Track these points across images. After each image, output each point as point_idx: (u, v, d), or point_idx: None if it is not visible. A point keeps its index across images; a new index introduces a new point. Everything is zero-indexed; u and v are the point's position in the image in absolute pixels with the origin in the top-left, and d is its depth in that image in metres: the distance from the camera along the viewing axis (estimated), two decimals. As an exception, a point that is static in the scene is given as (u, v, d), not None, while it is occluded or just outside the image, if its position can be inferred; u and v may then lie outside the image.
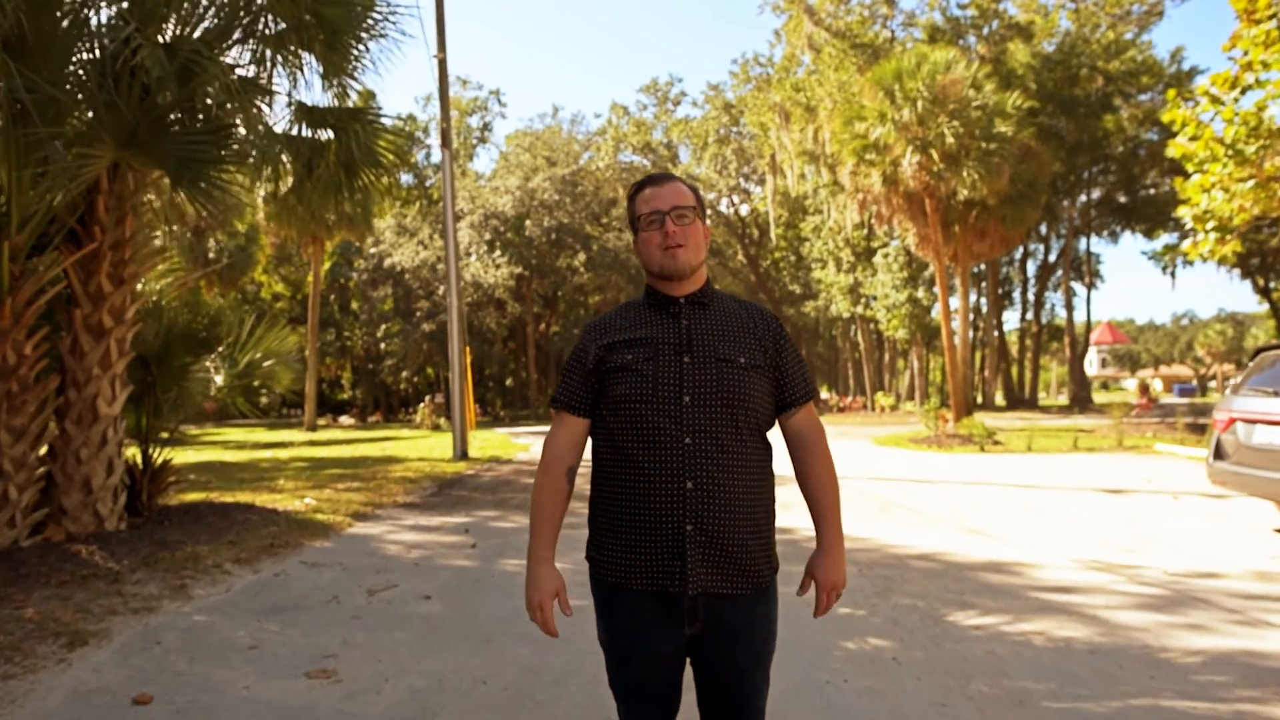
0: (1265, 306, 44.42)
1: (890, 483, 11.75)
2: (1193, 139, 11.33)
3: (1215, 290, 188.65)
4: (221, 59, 6.95)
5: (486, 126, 60.65)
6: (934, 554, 6.79)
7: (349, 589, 5.58)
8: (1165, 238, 44.86)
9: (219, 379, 9.49)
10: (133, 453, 8.49)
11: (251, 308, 56.41)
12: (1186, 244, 12.84)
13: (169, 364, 8.16)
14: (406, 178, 59.78)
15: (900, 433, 22.73)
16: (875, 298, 32.73)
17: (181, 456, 20.16)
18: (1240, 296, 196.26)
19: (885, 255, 31.70)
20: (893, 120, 20.78)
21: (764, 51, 35.51)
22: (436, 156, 65.13)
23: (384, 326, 46.86)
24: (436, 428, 33.39)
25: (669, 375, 1.98)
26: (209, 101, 6.52)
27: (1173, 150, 11.98)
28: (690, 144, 46.72)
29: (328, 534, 7.64)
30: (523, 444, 22.60)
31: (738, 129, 46.58)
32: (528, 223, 44.07)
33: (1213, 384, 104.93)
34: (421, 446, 21.39)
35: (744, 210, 54.44)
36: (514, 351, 53.27)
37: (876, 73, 21.13)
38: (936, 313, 37.84)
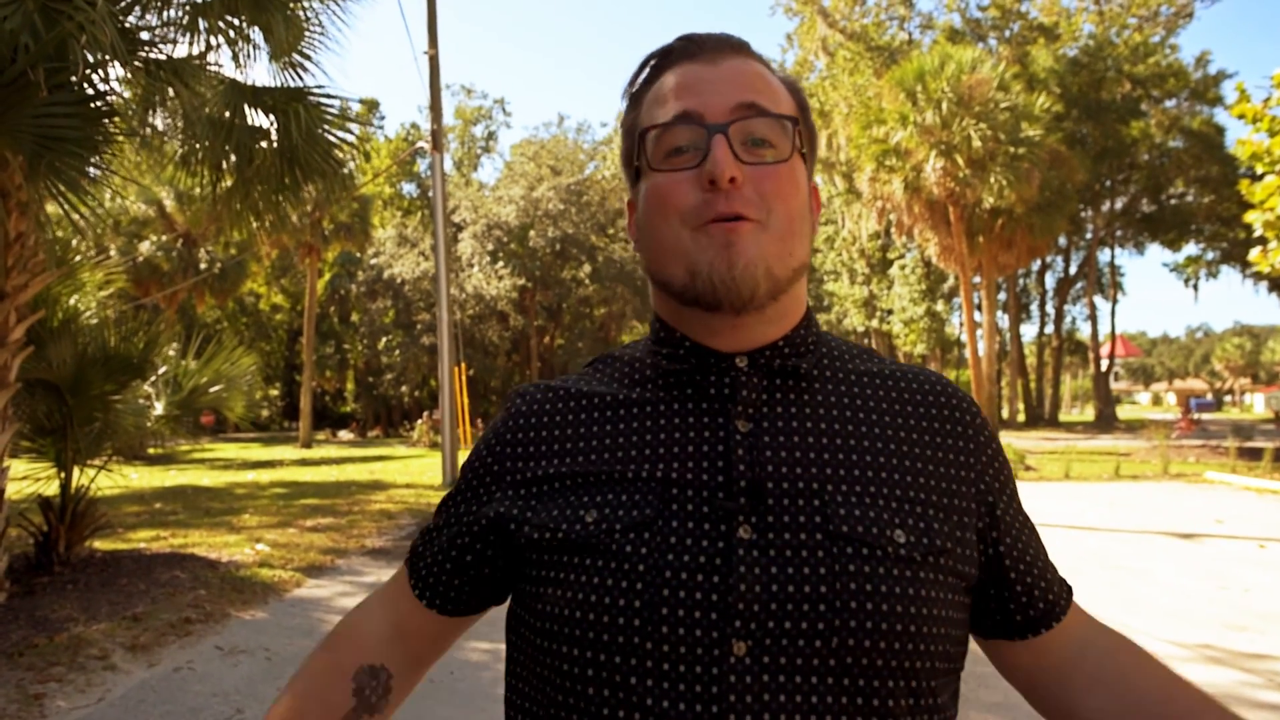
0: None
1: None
2: (1272, 134, 10.06)
3: (1231, 303, 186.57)
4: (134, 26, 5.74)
5: (491, 135, 59.75)
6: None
7: (264, 695, 4.32)
8: (1189, 248, 43.55)
9: (159, 406, 8.24)
10: (55, 492, 7.27)
11: (250, 320, 55.50)
12: (1255, 253, 11.55)
13: (85, 392, 6.91)
14: (409, 187, 58.90)
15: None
16: (892, 311, 31.39)
17: (158, 479, 19.04)
18: (1257, 309, 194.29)
19: (903, 267, 30.34)
20: (915, 123, 19.54)
21: (776, 57, 34.33)
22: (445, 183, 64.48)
23: (384, 339, 45.76)
24: (434, 445, 32.12)
25: (699, 579, 0.74)
26: (94, 73, 5.26)
27: (1240, 150, 10.71)
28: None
29: (267, 598, 6.37)
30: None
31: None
32: (531, 233, 42.91)
33: (1228, 398, 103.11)
34: (413, 469, 20.16)
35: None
36: (518, 365, 52.08)
37: (898, 73, 19.90)
38: (954, 326, 36.47)
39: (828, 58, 30.18)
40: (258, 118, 6.67)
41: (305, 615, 5.93)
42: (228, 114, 6.55)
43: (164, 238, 30.70)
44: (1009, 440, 21.10)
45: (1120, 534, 9.34)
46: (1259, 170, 10.55)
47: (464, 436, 29.06)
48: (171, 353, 8.63)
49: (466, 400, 22.40)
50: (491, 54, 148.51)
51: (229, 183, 6.98)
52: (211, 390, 8.30)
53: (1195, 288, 46.16)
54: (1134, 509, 11.37)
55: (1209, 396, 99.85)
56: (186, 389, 8.33)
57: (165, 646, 5.05)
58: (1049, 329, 43.85)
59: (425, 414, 34.50)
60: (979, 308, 22.27)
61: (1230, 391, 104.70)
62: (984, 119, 18.99)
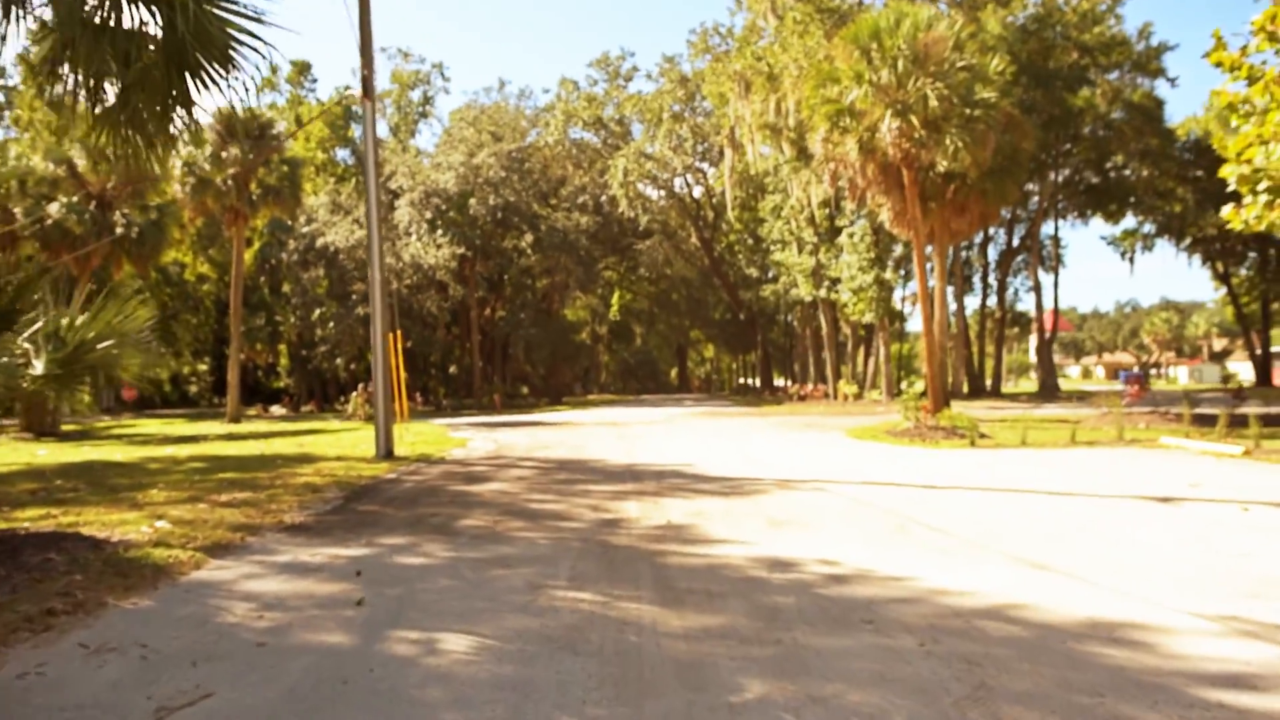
0: (1214, 294, 44.07)
1: (891, 489, 9.87)
2: (1251, 81, 9.61)
3: (1159, 280, 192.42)
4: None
5: (428, 100, 57.79)
6: (1008, 607, 4.86)
7: (129, 705, 3.44)
8: (1127, 221, 44.14)
9: (39, 365, 7.16)
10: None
11: (175, 290, 52.99)
12: (1227, 210, 11.17)
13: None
14: (343, 153, 56.71)
15: (873, 424, 21.02)
16: (840, 280, 31.02)
17: (68, 455, 17.62)
18: (1183, 286, 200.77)
19: (851, 235, 29.91)
20: (870, 82, 18.93)
21: (724, 21, 33.41)
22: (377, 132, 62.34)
23: (318, 310, 44.05)
24: (370, 418, 30.83)
25: None
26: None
27: (1216, 100, 10.26)
28: (643, 120, 44.50)
29: (156, 583, 5.44)
30: (460, 439, 20.39)
31: (694, 106, 44.49)
32: (472, 201, 41.58)
33: (1153, 371, 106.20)
34: (344, 442, 19.08)
35: (698, 192, 52.53)
36: (458, 338, 50.72)
37: (853, 30, 19.24)
38: (902, 295, 36.29)
39: (777, 20, 29.46)
40: (139, 13, 5.62)
41: (200, 603, 5.03)
42: (103, 12, 5.50)
43: (75, 199, 28.70)
44: (959, 409, 20.83)
45: (1096, 499, 8.87)
46: (1234, 122, 10.15)
47: (400, 410, 27.90)
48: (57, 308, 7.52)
49: (404, 372, 21.34)
50: (430, 18, 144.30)
51: (110, 96, 5.91)
52: (100, 346, 7.23)
53: (1131, 261, 46.94)
54: (1101, 474, 10.97)
55: (1136, 369, 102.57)
56: (71, 345, 7.26)
57: (13, 646, 4.11)
58: (990, 301, 44.14)
59: (360, 386, 33.13)
60: (932, 273, 21.87)
61: (1157, 365, 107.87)
62: (940, 78, 18.47)
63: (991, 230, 42.42)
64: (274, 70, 56.79)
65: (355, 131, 55.06)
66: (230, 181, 32.82)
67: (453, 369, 53.92)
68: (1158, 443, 14.86)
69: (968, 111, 19.04)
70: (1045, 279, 50.48)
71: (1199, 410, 18.20)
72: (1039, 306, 37.46)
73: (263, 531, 7.43)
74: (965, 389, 37.50)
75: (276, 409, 44.99)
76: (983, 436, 16.09)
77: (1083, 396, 29.96)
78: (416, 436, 20.79)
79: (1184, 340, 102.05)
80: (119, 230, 29.27)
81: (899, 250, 29.88)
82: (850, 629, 4.46)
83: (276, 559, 6.28)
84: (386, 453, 14.54)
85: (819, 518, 7.90)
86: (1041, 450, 14.29)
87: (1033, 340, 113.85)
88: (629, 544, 6.83)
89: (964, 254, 40.76)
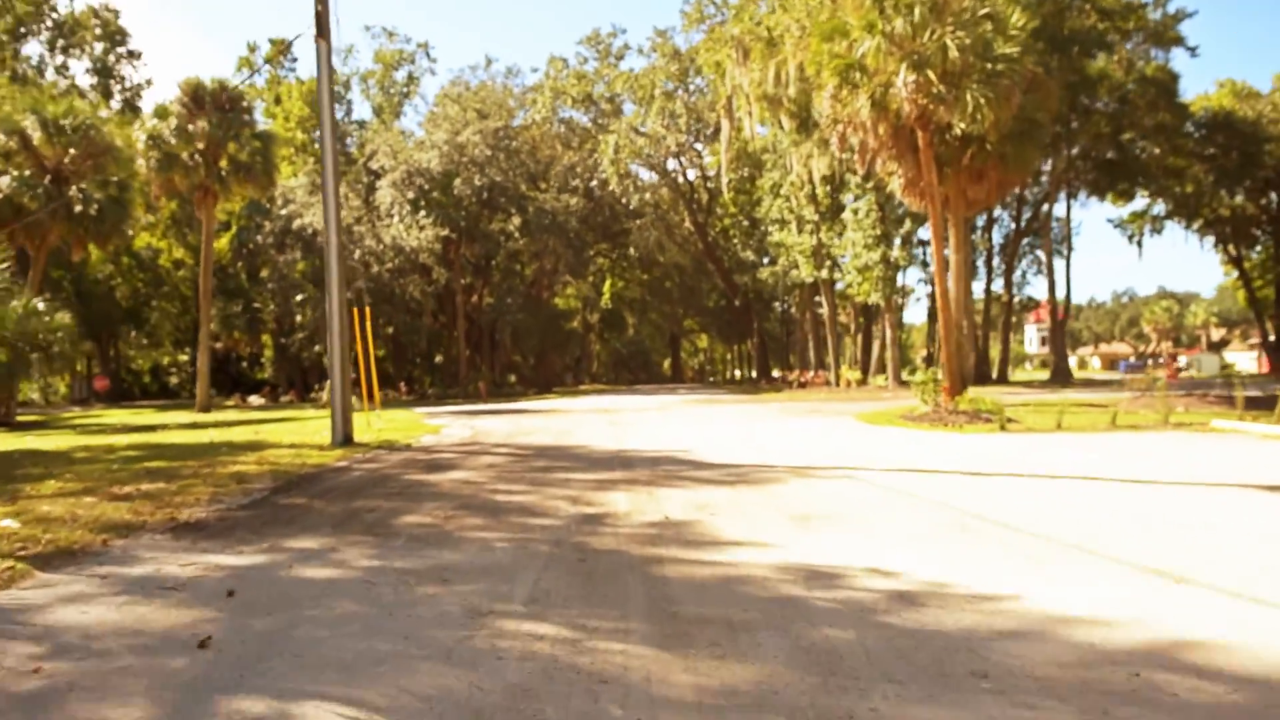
0: (1212, 285, 42.72)
1: (930, 477, 8.24)
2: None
3: (1157, 269, 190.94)
4: None
5: (413, 79, 55.78)
6: (1178, 646, 3.23)
7: None
8: (1136, 203, 42.59)
9: None
10: None
11: (147, 276, 51.05)
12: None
13: None
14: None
15: (884, 409, 19.41)
16: (844, 259, 29.33)
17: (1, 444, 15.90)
18: (1177, 276, 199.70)
19: (855, 211, 28.15)
20: (883, 33, 17.23)
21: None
22: (358, 113, 60.25)
23: (299, 296, 42.23)
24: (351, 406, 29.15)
25: None
26: None
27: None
28: (635, 98, 42.69)
29: (-74, 610, 3.76)
30: (435, 425, 18.71)
31: (688, 85, 42.66)
32: (456, 181, 39.75)
33: (1149, 361, 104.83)
34: (308, 429, 17.37)
35: (691, 175, 50.76)
36: (445, 326, 48.90)
37: (864, -25, 17.55)
38: (909, 276, 34.43)
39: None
40: None
41: (-34, 643, 3.36)
42: None
43: (28, 172, 26.84)
44: (978, 393, 19.23)
45: (1186, 488, 7.25)
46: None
47: (371, 395, 26.32)
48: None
49: (374, 351, 19.60)
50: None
51: None
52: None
53: (1139, 245, 45.37)
54: (1169, 460, 9.36)
55: (1133, 359, 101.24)
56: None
57: None
58: (995, 286, 42.58)
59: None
60: (947, 246, 20.23)
61: (1155, 355, 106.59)
62: (960, 28, 16.80)
63: (996, 212, 40.87)
64: (252, 49, 54.95)
65: (336, 111, 53.15)
66: (199, 157, 30.98)
67: (439, 358, 52.16)
68: (1209, 426, 13.28)
69: (989, 66, 17.40)
70: (1055, 263, 48.82)
71: (1251, 394, 16.61)
72: (1051, 289, 35.83)
73: (141, 532, 5.76)
74: (971, 376, 35.90)
75: (255, 399, 43.19)
76: (1011, 421, 14.49)
77: (1090, 384, 28.46)
78: (388, 423, 19.11)
79: (1183, 330, 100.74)
80: (78, 209, 27.39)
81: (907, 227, 28.17)
82: (958, 690, 2.82)
83: (131, 571, 4.61)
84: (344, 439, 12.87)
85: (854, 511, 6.27)
86: (1082, 435, 12.69)
87: (1029, 329, 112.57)
88: (614, 547, 5.19)
89: (970, 237, 39.09)
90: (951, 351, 18.98)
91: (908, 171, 19.72)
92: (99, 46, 46.20)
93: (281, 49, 53.75)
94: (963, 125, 18.61)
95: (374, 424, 18.22)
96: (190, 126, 30.68)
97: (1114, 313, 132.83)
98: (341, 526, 5.97)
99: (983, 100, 16.85)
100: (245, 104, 32.20)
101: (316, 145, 52.26)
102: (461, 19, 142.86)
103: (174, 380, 71.81)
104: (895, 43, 17.17)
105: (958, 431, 13.87)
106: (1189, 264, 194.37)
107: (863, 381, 32.65)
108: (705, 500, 6.88)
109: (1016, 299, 41.84)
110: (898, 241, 28.21)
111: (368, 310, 21.80)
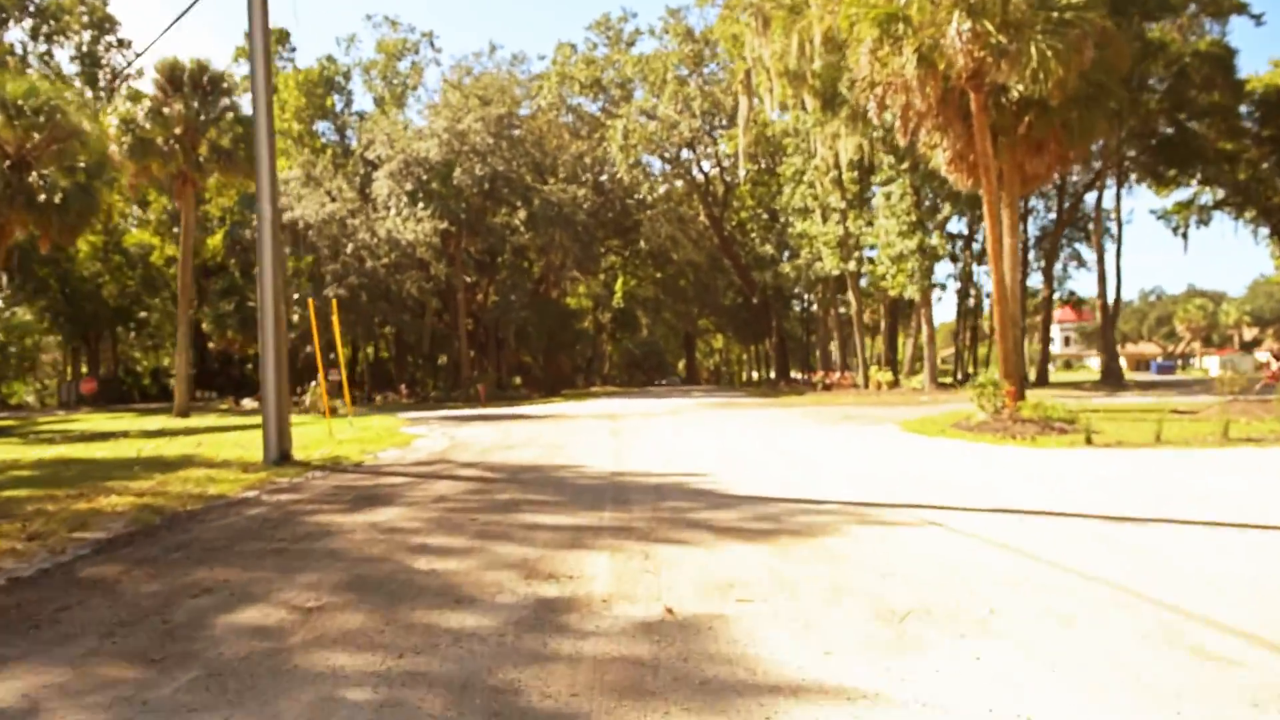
0: (1243, 283, 39.77)
1: (1052, 523, 5.74)
2: None
3: (1186, 268, 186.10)
4: None
5: (417, 70, 53.51)
6: None
7: None
8: (1181, 191, 39.74)
9: None
10: None
11: (137, 274, 48.97)
12: None
13: None
14: (323, 126, 52.60)
15: (931, 415, 16.83)
16: (874, 249, 26.66)
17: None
18: (1204, 274, 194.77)
19: (888, 195, 25.43)
20: (931, -24, 14.74)
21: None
22: (358, 104, 58.10)
23: (295, 295, 39.94)
24: (332, 412, 26.75)
25: None
26: None
27: None
28: (646, 82, 40.17)
29: None
30: (410, 435, 16.27)
31: (700, 69, 40.08)
32: (457, 171, 37.40)
33: (1179, 362, 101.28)
34: (258, 441, 14.96)
35: (706, 166, 48.21)
36: (449, 325, 46.52)
37: (908, -91, 15.01)
38: (941, 272, 31.43)
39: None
40: None
41: None
42: None
43: (-16, 158, 24.66)
44: (1037, 397, 16.64)
45: None
46: None
47: (327, 400, 24.05)
48: None
49: (340, 346, 17.21)
50: None
51: None
52: None
53: (1185, 236, 42.44)
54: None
55: (1161, 359, 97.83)
56: None
57: None
58: (1032, 281, 39.82)
59: (320, 374, 28.98)
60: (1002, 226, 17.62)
61: (1186, 355, 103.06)
62: (1021, -31, 14.28)
63: (1031, 200, 38.16)
64: (249, 37, 52.81)
65: (335, 102, 51.01)
66: (175, 143, 28.76)
67: (443, 359, 49.87)
68: (1353, 439, 10.69)
69: (1054, 16, 14.86)
70: (1090, 254, 45.70)
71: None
72: (1102, 282, 32.96)
73: None
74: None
75: (248, 402, 41.02)
76: (1096, 433, 11.93)
77: (1156, 385, 25.78)
78: (359, 432, 16.72)
79: (1216, 329, 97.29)
80: (40, 196, 25.19)
81: (945, 211, 25.50)
82: None
83: None
84: (279, 457, 10.46)
85: (978, 604, 3.78)
86: (1195, 451, 10.13)
87: (1055, 328, 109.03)
88: (573, 698, 2.75)
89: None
90: (1009, 349, 16.46)
91: (955, 142, 17.19)
92: (86, 35, 44.18)
93: (279, 38, 51.68)
94: (1020, 87, 16.13)
95: (340, 433, 15.84)
96: (166, 110, 28.48)
97: (1141, 312, 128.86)
98: (115, 636, 3.53)
99: (1049, 53, 14.29)
100: (226, 86, 29.89)
101: (313, 136, 50.14)
102: (467, 14, 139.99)
103: (173, 382, 70.03)
104: (946, -14, 14.65)
105: (1030, 445, 11.33)
106: (1215, 260, 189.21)
107: (894, 383, 29.98)
108: (731, 571, 4.41)
109: (1057, 295, 38.94)
110: (933, 228, 25.50)
111: (333, 303, 19.45)
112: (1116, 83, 17.73)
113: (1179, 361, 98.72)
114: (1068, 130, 17.11)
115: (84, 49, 43.52)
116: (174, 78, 29.15)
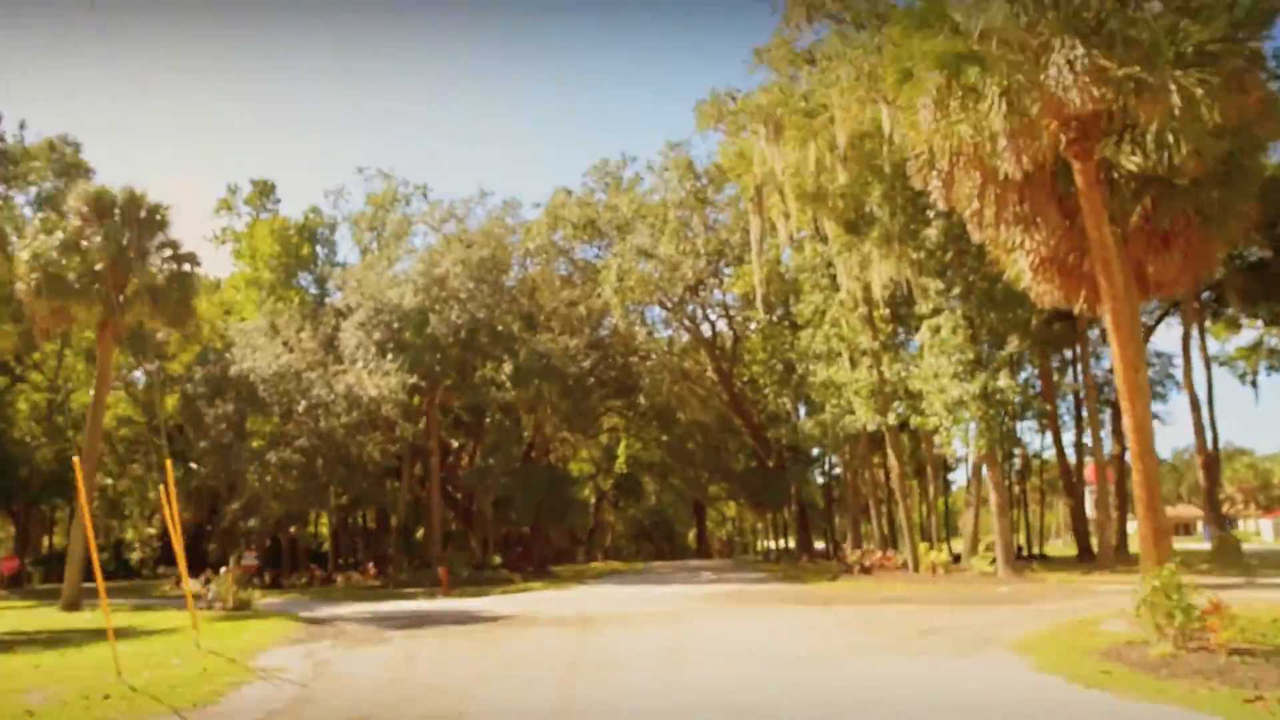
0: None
1: None
2: None
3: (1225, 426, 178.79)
4: None
5: (408, 222, 50.57)
6: None
7: None
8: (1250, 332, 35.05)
9: None
10: None
11: (79, 436, 44.00)
12: None
13: None
14: (306, 279, 49.17)
15: (1055, 630, 11.12)
16: (920, 396, 21.56)
17: None
18: (1240, 431, 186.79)
19: (936, 329, 20.43)
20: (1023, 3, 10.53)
21: (739, 84, 25.55)
22: (342, 255, 54.87)
23: (241, 453, 34.88)
24: (242, 606, 21.15)
25: None
26: None
27: None
28: (644, 221, 36.60)
29: None
30: (268, 662, 10.59)
31: (702, 206, 36.58)
32: (432, 319, 33.27)
33: (1231, 527, 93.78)
34: (86, 661, 9.46)
35: (713, 316, 44.23)
36: (422, 499, 41.14)
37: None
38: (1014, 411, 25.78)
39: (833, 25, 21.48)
40: None
41: None
42: None
43: None
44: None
45: None
46: None
47: (238, 589, 18.66)
48: None
49: (177, 523, 11.87)
50: (418, 145, 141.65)
51: None
52: None
53: (1254, 385, 37.49)
54: None
55: (1205, 524, 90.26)
56: None
57: None
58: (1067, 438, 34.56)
59: (233, 559, 23.49)
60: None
61: (1231, 518, 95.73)
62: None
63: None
64: (233, 191, 50.69)
65: (318, 253, 47.84)
66: (94, 280, 24.65)
67: (421, 533, 44.11)
68: None
69: (1190, 49, 10.56)
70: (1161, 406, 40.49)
71: None
72: (1199, 435, 27.67)
73: None
74: (1071, 550, 27.38)
75: (194, 584, 35.09)
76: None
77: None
78: (208, 652, 11.12)
79: (1267, 490, 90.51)
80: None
81: (1014, 345, 20.49)
82: None
83: None
84: None
85: None
86: None
87: (1088, 493, 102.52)
88: None
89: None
90: (1155, 523, 11.14)
91: (1048, 237, 12.53)
92: (49, 185, 41.41)
93: (261, 190, 49.44)
94: (1136, 159, 11.72)
95: (170, 661, 10.28)
96: (85, 242, 24.57)
97: (1177, 470, 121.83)
98: None
99: (1199, 91, 9.84)
100: (160, 218, 26.00)
101: (289, 288, 46.59)
102: (460, 170, 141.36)
103: (135, 556, 63.64)
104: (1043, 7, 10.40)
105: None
106: (1245, 414, 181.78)
107: (955, 564, 24.03)
108: None
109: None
110: (992, 368, 20.42)
111: (169, 463, 14.35)
112: (1257, 158, 13.30)
113: (1226, 526, 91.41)
114: (1203, 219, 12.49)
115: (42, 196, 40.60)
116: (101, 207, 25.37)
